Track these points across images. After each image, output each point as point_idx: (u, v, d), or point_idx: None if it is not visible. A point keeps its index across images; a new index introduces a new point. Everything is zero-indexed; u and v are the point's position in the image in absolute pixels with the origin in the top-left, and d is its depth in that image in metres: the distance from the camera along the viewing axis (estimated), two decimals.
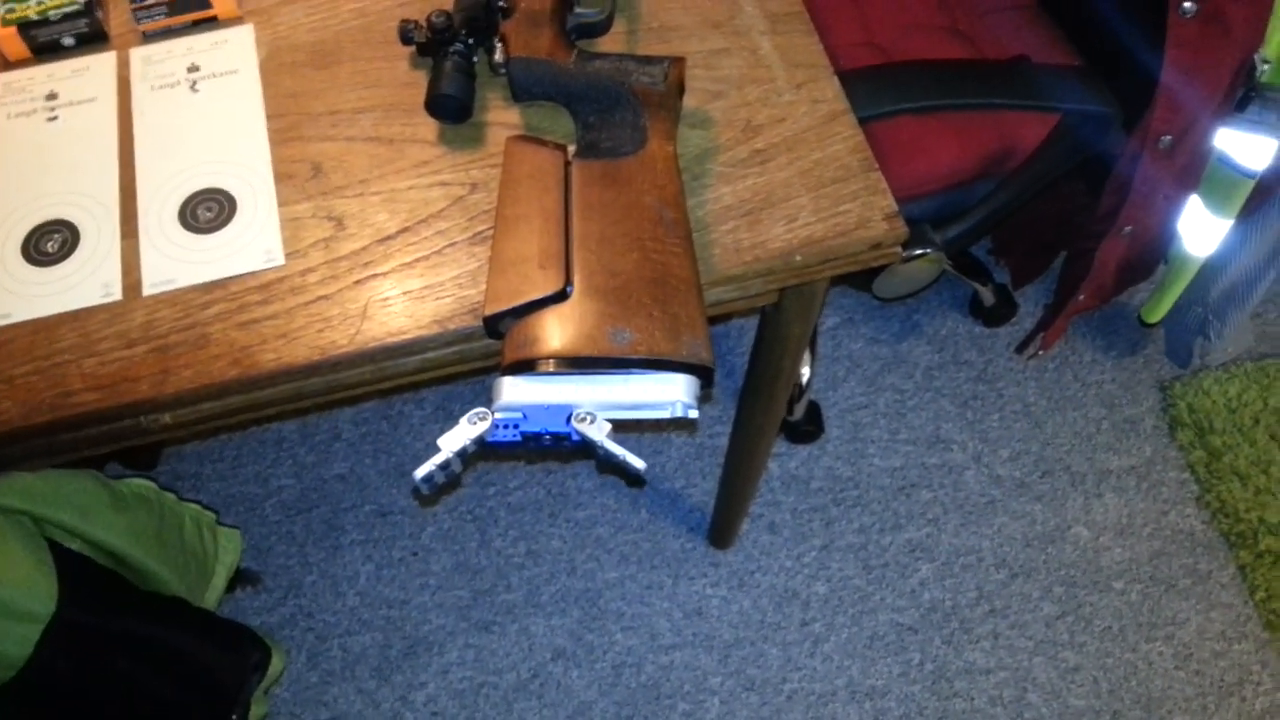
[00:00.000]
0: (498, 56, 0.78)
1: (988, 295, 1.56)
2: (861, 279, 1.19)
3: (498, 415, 0.64)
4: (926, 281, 1.18)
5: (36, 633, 0.76)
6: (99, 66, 0.83)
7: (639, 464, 0.64)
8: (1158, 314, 1.48)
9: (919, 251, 1.11)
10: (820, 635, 1.41)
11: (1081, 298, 1.32)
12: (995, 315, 1.60)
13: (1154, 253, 1.31)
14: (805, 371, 1.47)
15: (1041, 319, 1.47)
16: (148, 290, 0.73)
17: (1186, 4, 0.94)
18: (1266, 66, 1.01)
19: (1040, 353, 1.56)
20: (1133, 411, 1.56)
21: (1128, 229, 1.19)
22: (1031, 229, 1.42)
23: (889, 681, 1.38)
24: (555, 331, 0.65)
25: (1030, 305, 1.63)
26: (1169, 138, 1.06)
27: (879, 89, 0.95)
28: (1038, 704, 1.37)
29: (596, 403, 0.64)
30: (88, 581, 0.85)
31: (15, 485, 0.81)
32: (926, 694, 1.38)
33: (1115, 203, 1.16)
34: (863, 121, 0.78)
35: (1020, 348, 1.57)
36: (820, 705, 1.37)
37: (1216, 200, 1.20)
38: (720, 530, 1.44)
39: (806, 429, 1.53)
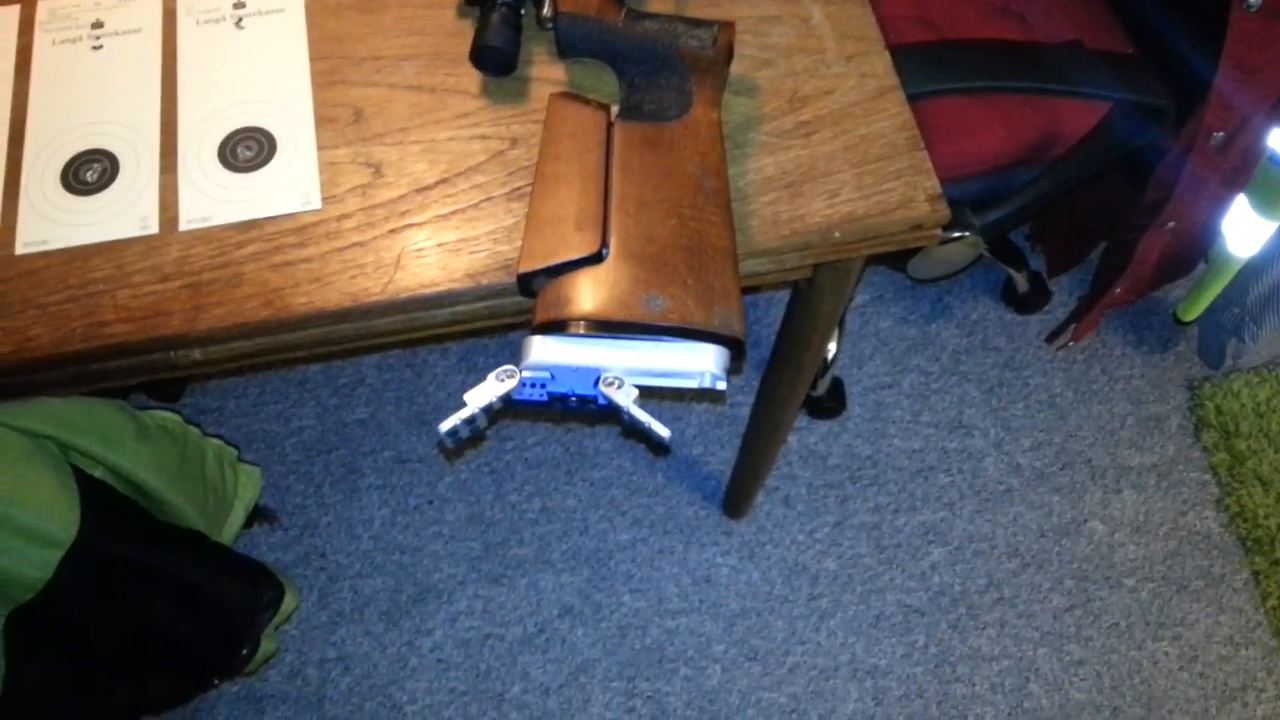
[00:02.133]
0: (546, 11, 0.76)
1: (1022, 282, 1.55)
2: (896, 259, 1.17)
3: (525, 374, 0.64)
4: (962, 264, 1.16)
5: (57, 557, 0.77)
6: None
7: (664, 432, 0.64)
8: (1194, 312, 1.46)
9: (957, 234, 1.09)
10: (827, 611, 1.42)
11: (1118, 291, 1.31)
12: (1028, 303, 1.58)
13: (1195, 250, 1.29)
14: (831, 347, 1.46)
15: (1075, 310, 1.45)
16: (184, 226, 0.72)
17: None
18: None
19: (1071, 344, 1.55)
20: (1159, 409, 1.55)
21: (1170, 224, 1.17)
22: (1072, 217, 1.40)
23: (891, 661, 1.39)
24: (588, 294, 0.65)
25: (1064, 294, 1.61)
26: (1221, 134, 1.04)
27: (930, 67, 0.93)
28: (1038, 694, 1.37)
29: (625, 368, 0.64)
30: (109, 509, 0.86)
31: (43, 410, 0.81)
32: (928, 676, 1.38)
33: (1160, 197, 1.14)
34: (910, 99, 0.77)
35: (1051, 337, 1.56)
36: (821, 680, 1.37)
37: (1264, 201, 1.18)
38: (735, 500, 1.45)
39: (829, 405, 1.53)
